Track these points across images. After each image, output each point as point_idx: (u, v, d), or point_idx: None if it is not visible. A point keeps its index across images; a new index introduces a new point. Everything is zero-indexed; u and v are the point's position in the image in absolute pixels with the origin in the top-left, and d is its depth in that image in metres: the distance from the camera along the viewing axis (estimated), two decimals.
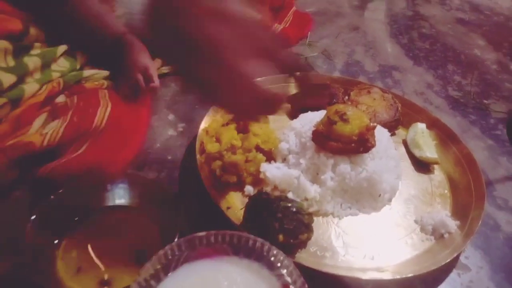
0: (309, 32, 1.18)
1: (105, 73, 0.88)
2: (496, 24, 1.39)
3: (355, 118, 0.71)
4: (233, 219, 0.65)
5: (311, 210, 0.70)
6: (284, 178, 0.72)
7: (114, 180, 0.62)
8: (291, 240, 0.63)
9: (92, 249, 0.57)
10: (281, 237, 0.62)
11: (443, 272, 0.66)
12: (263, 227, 0.63)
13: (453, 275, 0.67)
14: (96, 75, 0.87)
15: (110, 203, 0.62)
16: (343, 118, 0.71)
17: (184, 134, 0.83)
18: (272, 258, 0.52)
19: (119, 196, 0.62)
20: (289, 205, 0.64)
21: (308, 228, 0.65)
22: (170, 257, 0.50)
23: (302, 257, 0.65)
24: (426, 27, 1.31)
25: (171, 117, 0.86)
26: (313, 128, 0.74)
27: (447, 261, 0.64)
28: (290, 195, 0.71)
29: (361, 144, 0.71)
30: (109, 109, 0.78)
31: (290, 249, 0.64)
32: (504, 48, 1.27)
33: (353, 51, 1.16)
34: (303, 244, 0.66)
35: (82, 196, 0.60)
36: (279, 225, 0.62)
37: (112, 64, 0.89)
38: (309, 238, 0.65)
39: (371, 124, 0.72)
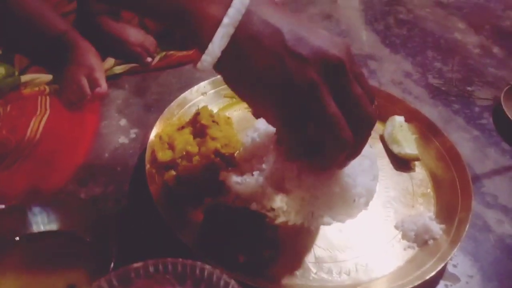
0: None
1: (47, 77, 0.80)
2: (476, 6, 1.32)
3: None
4: (187, 238, 0.56)
5: (277, 222, 0.62)
6: (246, 187, 0.63)
7: (41, 202, 0.53)
8: (254, 260, 0.55)
9: (16, 284, 0.49)
10: (241, 256, 0.54)
11: (429, 284, 0.58)
12: (220, 246, 0.55)
13: (440, 287, 0.60)
14: (36, 80, 0.78)
15: (37, 229, 0.53)
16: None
17: (137, 140, 0.74)
18: None
19: (48, 221, 0.53)
20: (249, 218, 0.56)
21: (273, 244, 0.57)
22: None
23: (269, 277, 0.57)
24: (403, 12, 1.23)
25: (122, 122, 0.77)
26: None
27: (433, 273, 0.56)
28: (253, 206, 0.62)
29: None
30: (45, 117, 0.69)
31: (254, 269, 0.56)
32: (486, 31, 1.20)
33: None
34: (269, 263, 0.58)
35: (2, 223, 0.51)
36: (238, 243, 0.54)
37: (55, 67, 0.80)
38: (275, 256, 0.57)
39: None
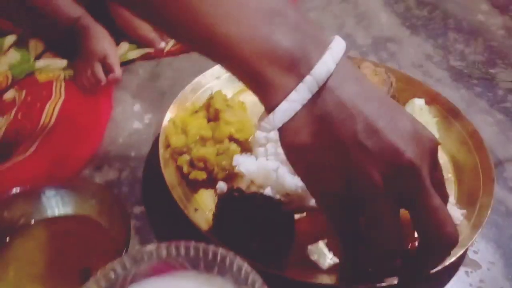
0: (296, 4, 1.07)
1: (62, 63, 0.80)
2: None
3: None
4: (200, 223, 0.56)
5: (293, 207, 0.61)
6: (260, 172, 0.62)
7: (56, 186, 0.53)
8: (267, 247, 0.54)
9: (31, 268, 0.49)
10: (254, 243, 0.53)
11: (449, 270, 0.57)
12: (233, 233, 0.54)
13: (461, 273, 0.58)
14: (51, 66, 0.78)
15: (51, 213, 0.53)
16: None
17: (152, 126, 0.74)
18: (238, 272, 0.44)
19: (62, 204, 0.53)
20: (263, 203, 0.55)
21: (288, 231, 0.55)
22: (113, 277, 0.41)
23: (283, 264, 0.56)
24: None
25: (136, 107, 0.77)
26: None
27: (453, 259, 0.54)
28: (268, 191, 0.61)
29: None
30: (60, 102, 0.69)
31: (268, 257, 0.55)
32: (511, 11, 1.15)
33: (343, 23, 1.05)
34: (283, 250, 0.56)
35: (17, 207, 0.52)
36: (251, 230, 0.53)
37: (70, 53, 0.80)
38: (290, 243, 0.56)
39: None
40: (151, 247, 0.44)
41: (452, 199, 0.64)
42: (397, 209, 0.42)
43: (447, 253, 0.46)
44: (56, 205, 0.53)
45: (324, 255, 0.57)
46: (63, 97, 0.71)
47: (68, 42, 0.78)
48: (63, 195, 0.53)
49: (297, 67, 0.37)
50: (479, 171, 0.66)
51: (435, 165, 0.42)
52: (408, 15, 1.10)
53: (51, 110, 0.67)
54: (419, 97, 0.77)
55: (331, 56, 0.37)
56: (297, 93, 0.37)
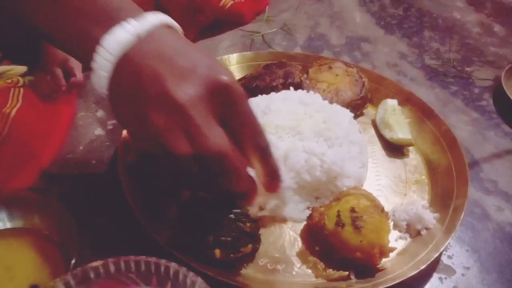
0: (266, 6, 1.05)
1: (21, 68, 0.75)
2: None
3: (372, 231, 0.53)
4: (160, 235, 0.53)
5: (261, 215, 0.58)
6: None
7: (3, 198, 0.50)
8: (231, 255, 0.51)
9: None
10: (217, 252, 0.50)
11: (422, 277, 0.55)
12: (195, 242, 0.51)
13: (434, 280, 0.56)
14: (9, 72, 0.74)
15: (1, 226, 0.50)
16: (356, 224, 0.52)
17: (115, 132, 0.70)
18: (191, 287, 0.41)
19: (10, 218, 0.50)
20: (228, 211, 0.52)
21: (252, 238, 0.53)
22: None
23: (249, 273, 0.53)
24: None
25: (100, 113, 0.73)
26: None
27: (425, 264, 0.52)
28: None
29: (360, 261, 0.53)
30: (15, 109, 0.65)
31: (232, 264, 0.53)
32: (487, 9, 1.14)
33: (317, 23, 1.03)
34: (249, 257, 0.54)
35: None
36: (214, 238, 0.50)
37: (29, 58, 0.76)
38: (255, 250, 0.54)
39: (390, 246, 0.54)
40: (97, 263, 0.41)
41: (424, 202, 0.62)
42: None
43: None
44: (2, 218, 0.50)
45: (292, 263, 0.55)
46: (19, 103, 0.67)
47: (26, 47, 0.75)
48: (11, 208, 0.50)
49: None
50: (452, 172, 0.64)
51: (228, 106, 0.42)
52: (383, 14, 1.08)
53: (5, 117, 0.63)
54: (392, 97, 0.75)
55: (132, 26, 0.41)
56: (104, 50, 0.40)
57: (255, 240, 0.53)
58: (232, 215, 0.52)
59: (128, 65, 0.40)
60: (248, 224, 0.52)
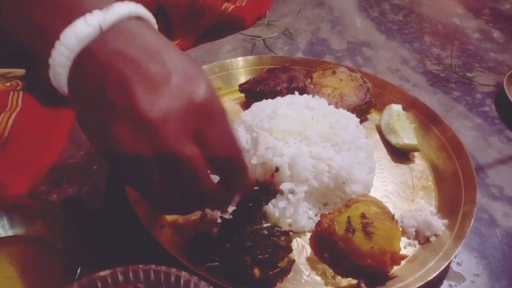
0: (267, 11, 1.04)
1: (20, 71, 0.74)
2: None
3: (383, 237, 0.51)
4: (166, 242, 0.51)
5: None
6: None
7: (3, 204, 0.48)
8: (270, 272, 0.49)
9: None
10: (256, 271, 0.49)
11: (432, 285, 0.53)
12: (228, 263, 0.49)
13: (444, 287, 0.55)
14: (9, 75, 0.72)
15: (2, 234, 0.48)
16: (366, 230, 0.51)
17: None
18: None
19: (10, 225, 0.48)
20: (258, 226, 0.51)
21: (287, 251, 0.51)
22: None
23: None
24: None
25: None
26: None
27: (436, 273, 0.51)
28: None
29: (371, 269, 0.52)
30: (15, 113, 0.64)
31: (269, 281, 0.51)
32: (485, 15, 1.15)
33: (318, 28, 1.03)
34: (285, 273, 0.52)
35: None
36: (251, 258, 0.49)
37: (28, 61, 0.75)
38: (291, 263, 0.52)
39: (401, 253, 0.53)
40: (105, 273, 0.39)
41: (432, 208, 0.62)
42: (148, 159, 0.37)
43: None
44: (3, 225, 0.48)
45: (301, 271, 0.54)
46: (19, 107, 0.66)
47: (25, 49, 0.73)
48: (11, 215, 0.48)
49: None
50: (460, 178, 0.64)
51: (203, 122, 0.37)
52: (383, 19, 1.08)
53: (5, 121, 0.62)
54: (396, 102, 0.75)
55: (95, 17, 0.36)
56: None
57: (289, 252, 0.52)
58: (264, 231, 0.51)
59: (89, 62, 0.36)
60: (282, 238, 0.51)
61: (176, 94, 0.36)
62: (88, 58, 0.36)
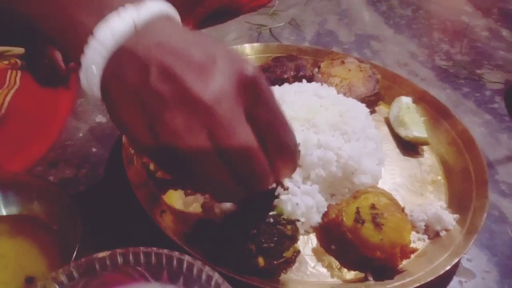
0: (276, 1, 1.02)
1: (19, 50, 0.72)
2: None
3: (393, 229, 0.50)
4: (167, 227, 0.49)
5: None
6: None
7: (1, 183, 0.46)
8: (274, 262, 0.47)
9: None
10: (261, 260, 0.47)
11: (441, 280, 0.52)
12: (232, 250, 0.47)
13: (454, 283, 0.53)
14: (7, 53, 0.70)
15: None
16: (376, 221, 0.50)
17: None
18: (207, 283, 0.37)
19: (6, 203, 0.46)
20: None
21: (293, 241, 0.49)
22: None
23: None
24: None
25: None
26: None
27: (446, 268, 0.50)
28: None
29: (379, 261, 0.50)
30: (12, 91, 0.62)
31: (273, 271, 0.49)
32: (494, 14, 1.13)
33: (325, 20, 1.01)
34: (290, 263, 0.50)
35: None
36: (256, 246, 0.47)
37: (28, 40, 0.72)
38: (296, 254, 0.50)
39: (411, 247, 0.52)
40: (104, 254, 0.37)
41: (442, 203, 0.60)
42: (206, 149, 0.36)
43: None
44: (4, 203, 0.46)
45: (306, 262, 0.52)
46: (17, 85, 0.63)
47: (25, 28, 0.71)
48: (7, 193, 0.46)
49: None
50: (471, 173, 0.62)
51: (255, 101, 0.37)
52: (391, 14, 1.07)
53: (2, 98, 0.60)
54: (406, 95, 0.73)
55: (129, 15, 0.35)
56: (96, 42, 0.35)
57: (295, 242, 0.49)
58: (270, 219, 0.49)
59: (127, 59, 0.35)
60: (288, 227, 0.49)
61: (225, 75, 0.35)
62: (124, 55, 0.35)
